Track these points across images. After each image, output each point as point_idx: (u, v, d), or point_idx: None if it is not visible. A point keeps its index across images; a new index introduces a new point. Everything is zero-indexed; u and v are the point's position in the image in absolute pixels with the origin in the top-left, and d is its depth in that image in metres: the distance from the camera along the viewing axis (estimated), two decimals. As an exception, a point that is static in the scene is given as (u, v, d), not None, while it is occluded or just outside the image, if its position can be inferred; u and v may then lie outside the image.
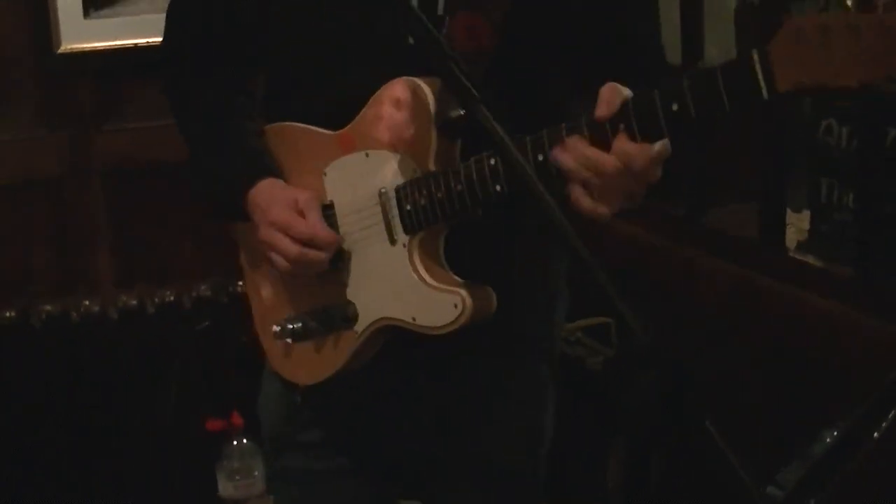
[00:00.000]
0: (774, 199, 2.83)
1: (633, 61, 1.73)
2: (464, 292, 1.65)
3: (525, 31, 1.61)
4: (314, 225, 1.73)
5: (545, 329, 1.97)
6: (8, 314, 3.19)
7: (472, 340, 1.73)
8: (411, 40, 1.61)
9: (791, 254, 2.82)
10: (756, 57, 1.34)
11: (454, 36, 1.65)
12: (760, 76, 1.33)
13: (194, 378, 3.16)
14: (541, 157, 1.54)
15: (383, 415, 1.92)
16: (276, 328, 1.80)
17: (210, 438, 3.11)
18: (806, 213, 2.87)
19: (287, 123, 1.84)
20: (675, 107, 1.42)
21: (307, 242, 1.73)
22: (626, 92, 1.50)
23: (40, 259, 3.32)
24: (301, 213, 1.74)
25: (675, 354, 1.32)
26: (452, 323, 1.66)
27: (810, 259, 2.78)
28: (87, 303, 3.24)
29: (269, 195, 1.78)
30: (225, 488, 3.12)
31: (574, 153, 1.52)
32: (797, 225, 2.89)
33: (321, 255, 1.74)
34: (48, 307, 3.22)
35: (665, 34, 3.23)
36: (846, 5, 1.26)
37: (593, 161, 1.51)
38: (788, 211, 2.87)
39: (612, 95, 1.50)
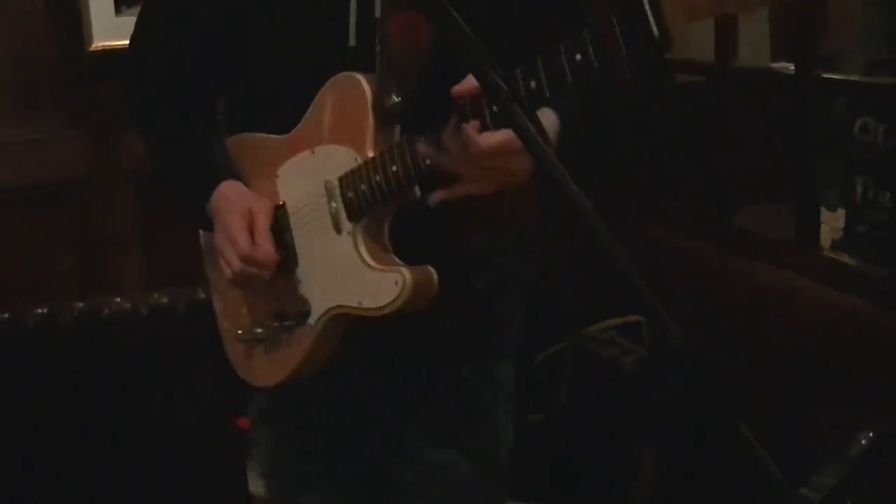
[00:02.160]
0: (808, 198, 2.81)
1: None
2: (404, 270, 1.68)
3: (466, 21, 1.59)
4: (258, 244, 1.78)
5: (505, 327, 1.97)
6: (40, 310, 3.18)
7: (429, 339, 1.79)
8: (353, 42, 1.70)
9: (826, 253, 2.79)
10: None
11: (391, 36, 1.67)
12: (650, 14, 1.31)
13: (226, 375, 3.16)
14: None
15: (349, 419, 1.94)
16: (239, 332, 1.88)
17: (241, 436, 3.11)
18: (841, 213, 2.85)
19: (245, 134, 1.90)
20: (577, 56, 1.40)
21: (246, 260, 1.78)
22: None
23: (66, 259, 3.32)
24: (250, 225, 1.79)
25: (709, 357, 1.30)
26: (394, 301, 1.67)
27: (845, 258, 2.75)
28: (117, 300, 3.23)
29: (226, 200, 1.84)
30: (255, 485, 3.11)
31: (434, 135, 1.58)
32: (831, 224, 2.86)
33: (257, 273, 1.79)
34: (79, 304, 3.21)
35: (698, 31, 3.25)
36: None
37: (443, 143, 1.57)
38: (823, 210, 2.84)
39: (472, 80, 1.50)
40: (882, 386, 2.49)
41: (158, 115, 1.97)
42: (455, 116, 1.56)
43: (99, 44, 3.27)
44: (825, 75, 2.77)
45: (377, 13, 1.71)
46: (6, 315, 3.15)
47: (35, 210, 3.28)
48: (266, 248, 1.77)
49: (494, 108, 1.51)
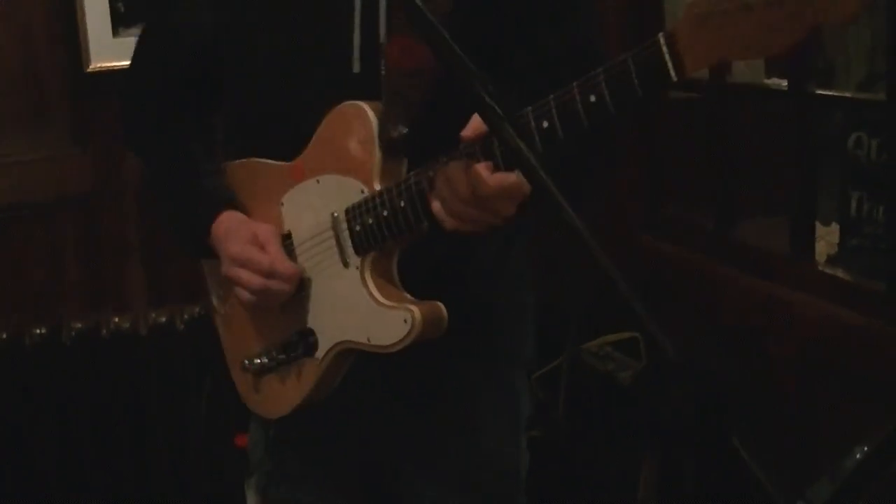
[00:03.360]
0: (804, 212, 2.82)
1: (574, 71, 1.77)
2: (413, 307, 1.65)
3: (467, 49, 1.61)
4: (275, 258, 1.75)
5: (515, 338, 1.96)
6: (39, 330, 3.20)
7: (440, 355, 1.75)
8: (357, 69, 1.70)
9: (821, 268, 2.81)
10: (663, 41, 1.36)
11: (392, 57, 1.67)
12: (669, 60, 1.35)
13: (224, 394, 3.17)
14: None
15: (358, 437, 1.93)
16: (245, 362, 1.84)
17: (239, 454, 3.11)
18: (835, 227, 2.86)
19: (246, 160, 1.87)
20: (591, 98, 1.43)
21: (268, 275, 1.75)
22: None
23: (72, 275, 3.34)
24: (261, 247, 1.76)
25: (704, 370, 1.31)
26: (403, 339, 1.65)
27: (840, 273, 2.77)
28: (116, 319, 3.25)
29: (228, 229, 1.81)
30: (253, 504, 3.12)
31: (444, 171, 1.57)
32: (827, 238, 2.88)
33: (284, 287, 1.76)
34: (78, 324, 3.23)
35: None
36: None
37: (451, 181, 1.56)
38: (818, 224, 2.86)
39: (478, 123, 1.53)
40: (877, 399, 2.50)
41: (155, 140, 1.96)
42: (465, 156, 1.55)
43: (97, 64, 3.29)
44: (819, 91, 2.79)
45: (381, 38, 1.71)
46: (4, 335, 3.18)
47: (39, 226, 3.30)
48: (286, 261, 1.75)
49: (500, 150, 1.51)
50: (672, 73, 1.35)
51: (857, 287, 2.69)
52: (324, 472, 1.96)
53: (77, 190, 3.31)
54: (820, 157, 2.84)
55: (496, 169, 1.52)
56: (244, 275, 1.76)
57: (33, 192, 3.27)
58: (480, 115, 1.43)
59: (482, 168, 1.52)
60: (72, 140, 3.31)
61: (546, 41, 1.77)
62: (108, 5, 3.29)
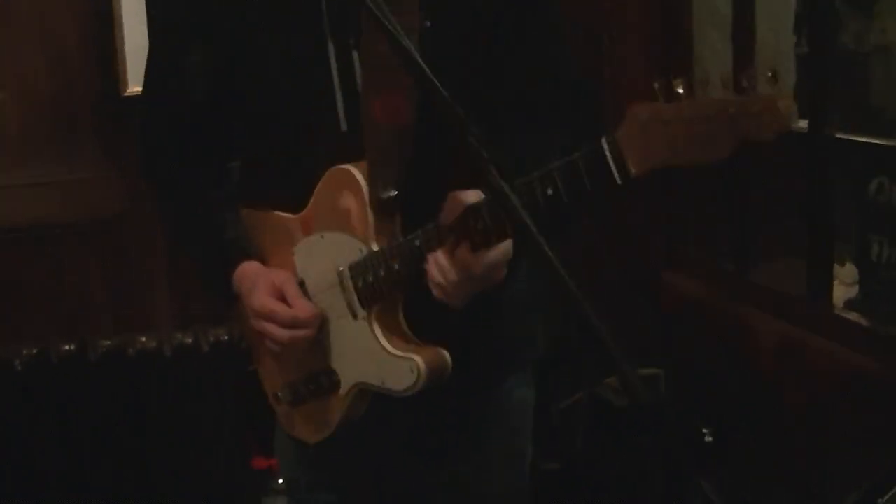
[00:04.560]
0: (822, 256, 2.82)
1: (556, 112, 1.83)
2: (417, 358, 1.75)
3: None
4: (296, 307, 1.82)
5: (522, 356, 2.02)
6: (67, 347, 3.26)
7: (455, 391, 1.81)
8: (344, 127, 1.78)
9: (838, 311, 2.80)
10: (605, 146, 1.44)
11: (373, 116, 1.75)
12: (612, 164, 1.44)
13: (242, 416, 3.21)
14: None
15: (386, 455, 2.00)
16: (277, 394, 1.95)
17: (256, 476, 3.16)
18: (854, 271, 2.86)
19: (260, 210, 1.95)
20: (549, 191, 1.51)
21: (292, 326, 1.82)
22: (470, 199, 1.62)
23: (101, 295, 3.40)
24: (281, 296, 1.83)
25: (677, 415, 1.34)
26: (412, 387, 1.76)
27: (857, 317, 2.76)
28: (143, 339, 3.31)
29: (250, 282, 1.88)
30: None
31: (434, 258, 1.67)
32: (845, 282, 2.87)
33: (308, 333, 1.83)
34: (106, 342, 3.29)
35: (716, 81, 3.27)
36: (678, 94, 1.37)
37: (441, 268, 1.66)
38: (836, 268, 2.86)
39: (453, 204, 1.63)
40: (890, 444, 2.49)
41: (175, 184, 2.01)
42: (451, 240, 1.64)
43: (134, 88, 3.34)
44: (839, 135, 2.80)
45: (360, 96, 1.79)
46: (34, 350, 3.24)
47: (71, 247, 3.38)
48: (304, 305, 1.82)
49: (479, 227, 1.60)
50: (616, 175, 1.44)
51: (874, 331, 2.69)
52: (339, 487, 2.03)
53: (109, 212, 3.38)
54: (840, 201, 2.84)
55: (476, 245, 1.62)
56: (270, 328, 1.84)
57: (66, 213, 3.35)
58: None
59: (465, 252, 1.62)
60: (106, 163, 3.38)
61: (515, 64, 1.83)
62: (146, 30, 3.36)
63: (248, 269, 1.90)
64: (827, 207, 2.81)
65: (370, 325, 1.79)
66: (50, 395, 3.23)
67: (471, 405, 1.96)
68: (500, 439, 2.00)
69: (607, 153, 1.43)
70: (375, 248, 1.76)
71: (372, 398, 1.86)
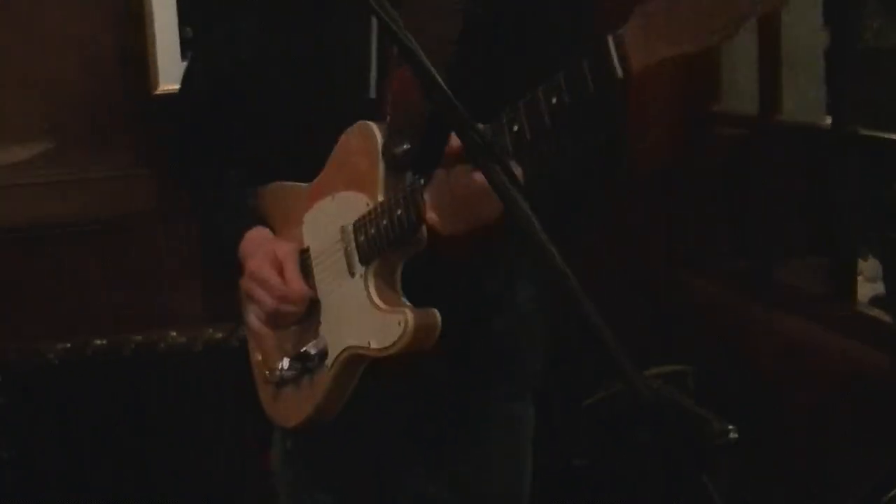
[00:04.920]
0: (844, 254, 2.82)
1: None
2: (408, 311, 1.74)
3: (463, 85, 1.68)
4: (289, 281, 1.84)
5: (522, 363, 2.01)
6: (100, 342, 3.31)
7: (448, 385, 1.85)
8: (373, 94, 1.80)
9: (860, 309, 2.80)
10: (611, 42, 1.44)
11: (400, 81, 1.77)
12: (615, 60, 1.43)
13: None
14: None
15: (369, 458, 2.00)
16: (266, 373, 1.94)
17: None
18: (877, 265, 2.85)
19: (277, 183, 1.97)
20: (553, 100, 1.52)
21: (280, 298, 1.84)
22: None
23: (133, 290, 3.45)
24: (279, 268, 1.85)
25: (677, 411, 1.35)
26: (397, 341, 1.73)
27: (880, 314, 2.76)
28: (173, 334, 3.35)
29: (253, 245, 1.91)
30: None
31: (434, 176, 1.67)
32: (868, 278, 2.87)
33: (293, 309, 1.85)
34: (138, 337, 3.34)
35: (741, 82, 3.28)
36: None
37: (438, 189, 1.66)
38: (859, 262, 2.85)
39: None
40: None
41: (196, 165, 2.08)
42: (452, 161, 1.64)
43: (165, 87, 3.40)
44: (862, 132, 2.79)
45: (372, 90, 1.82)
46: (68, 345, 3.30)
47: (102, 244, 3.42)
48: (298, 284, 1.84)
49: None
50: (618, 70, 1.43)
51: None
52: (336, 487, 2.03)
53: (141, 208, 3.42)
54: (863, 199, 2.84)
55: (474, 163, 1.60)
56: (259, 293, 1.87)
57: (99, 209, 3.40)
58: (467, 155, 1.49)
59: (466, 169, 1.61)
60: (138, 160, 3.42)
61: (545, 60, 1.78)
62: (177, 30, 3.41)
63: (256, 235, 1.93)
64: (849, 204, 2.81)
65: (366, 282, 1.78)
66: (83, 389, 3.28)
67: (470, 405, 1.96)
68: (499, 440, 2.00)
69: (612, 51, 1.44)
70: (381, 200, 1.76)
71: (368, 392, 1.85)
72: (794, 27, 3.10)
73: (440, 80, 1.43)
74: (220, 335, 3.38)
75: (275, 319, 1.89)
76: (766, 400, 2.97)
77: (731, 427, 3.02)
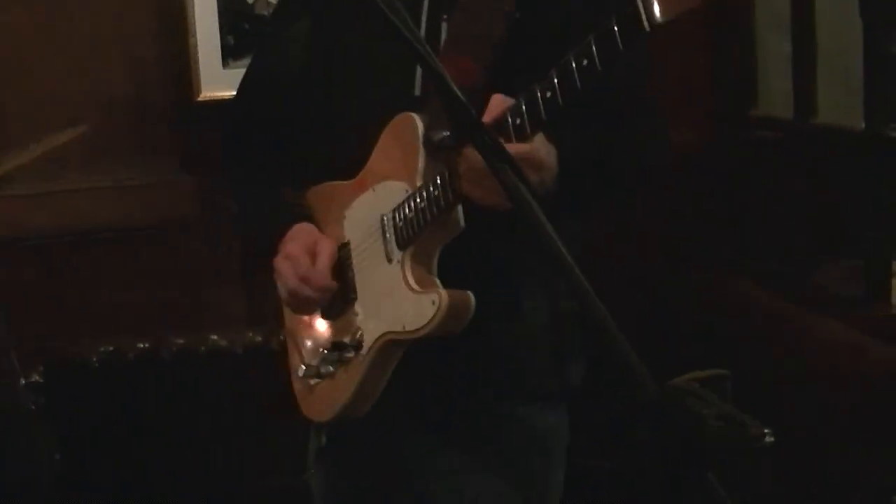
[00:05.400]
0: (879, 256, 2.80)
1: (614, 104, 1.87)
2: (442, 291, 1.78)
3: (513, 73, 1.73)
4: (317, 267, 1.90)
5: (549, 372, 2.00)
6: (142, 345, 3.36)
7: (473, 380, 1.89)
8: (417, 92, 1.86)
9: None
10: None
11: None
12: (643, 12, 1.52)
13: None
14: None
15: (395, 458, 2.01)
16: (302, 367, 1.99)
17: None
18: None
19: (324, 183, 2.02)
20: (584, 61, 1.59)
21: (302, 279, 1.90)
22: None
23: (175, 295, 3.50)
24: (314, 256, 1.91)
25: (682, 408, 1.37)
26: (431, 321, 1.77)
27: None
28: (214, 337, 3.40)
29: (297, 233, 1.97)
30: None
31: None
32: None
33: (312, 294, 1.91)
34: (179, 340, 3.38)
35: (775, 86, 3.28)
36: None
37: (471, 155, 1.68)
38: (894, 267, 2.84)
39: (497, 102, 1.71)
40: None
41: (247, 170, 2.14)
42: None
43: (206, 94, 3.46)
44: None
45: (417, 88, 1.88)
46: (111, 347, 3.36)
47: (145, 248, 3.48)
48: (324, 273, 1.90)
49: (517, 122, 1.68)
50: (646, 24, 1.51)
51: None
52: (363, 483, 2.06)
53: (183, 213, 3.47)
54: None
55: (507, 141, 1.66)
56: (286, 269, 1.92)
57: (142, 214, 3.45)
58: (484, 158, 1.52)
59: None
60: (179, 166, 3.48)
61: None
62: (218, 38, 3.47)
63: (298, 228, 1.98)
64: (883, 207, 2.80)
65: (402, 267, 1.82)
66: (125, 391, 3.33)
67: (485, 405, 1.97)
68: (506, 443, 1.99)
69: (640, 3, 1.51)
70: (420, 184, 1.80)
71: (394, 391, 1.88)
72: (830, 29, 3.10)
73: (451, 83, 1.46)
74: (259, 338, 3.42)
75: (294, 301, 1.94)
76: (802, 403, 2.96)
77: (767, 430, 3.02)
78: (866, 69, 2.82)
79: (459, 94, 1.45)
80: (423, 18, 1.90)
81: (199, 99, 3.46)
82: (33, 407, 2.89)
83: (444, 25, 1.88)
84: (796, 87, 3.08)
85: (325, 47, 2.01)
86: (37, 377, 2.97)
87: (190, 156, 3.48)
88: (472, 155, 1.68)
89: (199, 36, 3.45)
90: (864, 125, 2.81)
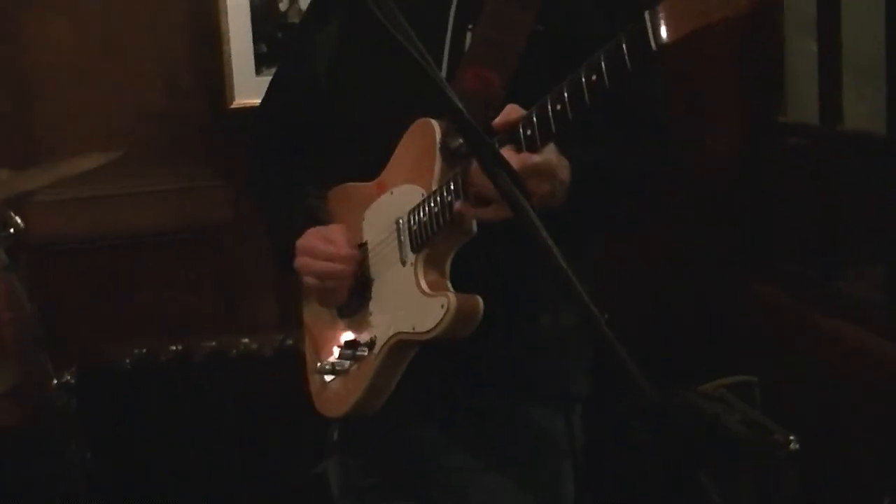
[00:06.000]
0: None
1: (630, 118, 1.90)
2: (451, 294, 1.81)
3: (534, 84, 1.75)
4: (335, 244, 1.94)
5: (566, 373, 2.02)
6: (174, 348, 3.41)
7: (488, 378, 1.92)
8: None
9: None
10: (647, 18, 1.55)
11: (466, 83, 1.86)
12: (650, 33, 1.54)
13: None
14: None
15: (410, 452, 2.05)
16: (318, 365, 2.03)
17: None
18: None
19: (345, 184, 2.06)
20: (593, 76, 1.62)
21: (326, 258, 1.94)
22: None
23: (208, 299, 3.56)
24: (331, 242, 1.95)
25: (677, 411, 1.39)
26: (439, 323, 1.80)
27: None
28: (245, 341, 3.44)
29: (306, 234, 2.00)
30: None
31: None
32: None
33: (342, 269, 1.95)
34: (212, 343, 3.43)
35: (801, 91, 3.28)
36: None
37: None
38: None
39: (511, 111, 1.74)
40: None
41: (271, 175, 2.18)
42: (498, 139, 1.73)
43: (240, 101, 3.51)
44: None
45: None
46: (144, 350, 3.41)
47: (179, 253, 3.54)
48: (343, 244, 1.94)
49: (528, 132, 1.71)
50: (652, 43, 1.54)
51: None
52: (379, 475, 2.09)
53: (216, 220, 3.53)
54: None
55: (519, 151, 1.71)
56: (307, 261, 1.97)
57: (176, 220, 3.52)
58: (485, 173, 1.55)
59: (507, 151, 1.70)
60: (213, 173, 3.53)
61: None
62: (252, 46, 3.52)
63: (311, 230, 2.01)
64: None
65: (415, 269, 1.86)
66: (157, 393, 3.39)
67: (495, 403, 2.00)
68: (519, 460, 2.01)
69: (648, 24, 1.54)
70: (434, 188, 1.84)
71: (407, 385, 1.91)
72: (857, 35, 3.09)
73: (451, 93, 1.50)
74: (290, 341, 3.45)
75: (325, 282, 1.97)
76: (828, 409, 2.96)
77: (792, 437, 3.02)
78: (889, 75, 2.82)
79: (460, 105, 1.48)
80: (449, 26, 1.95)
81: (233, 106, 3.52)
82: (66, 407, 2.93)
83: (468, 34, 1.93)
84: (822, 93, 3.08)
85: (351, 53, 2.05)
86: (69, 378, 3.01)
87: (223, 162, 3.53)
88: (513, 160, 1.69)
89: (232, 44, 3.51)
90: (886, 131, 2.81)
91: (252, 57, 3.53)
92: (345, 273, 1.96)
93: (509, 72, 1.87)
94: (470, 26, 1.93)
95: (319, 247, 1.96)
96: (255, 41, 3.53)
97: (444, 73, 1.92)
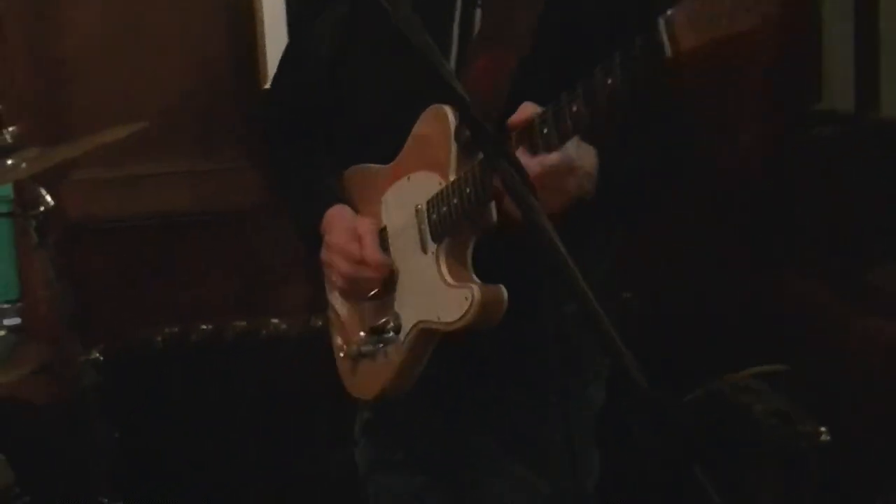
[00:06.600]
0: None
1: (653, 118, 1.90)
2: (475, 286, 1.82)
3: (545, 63, 1.73)
4: (367, 248, 1.94)
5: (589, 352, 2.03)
6: (205, 327, 3.44)
7: (511, 360, 1.94)
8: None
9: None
10: (661, 23, 1.52)
11: (476, 69, 1.87)
12: (665, 39, 1.52)
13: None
14: None
15: (439, 436, 2.08)
16: (345, 347, 2.06)
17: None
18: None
19: (360, 166, 2.08)
20: (609, 80, 1.60)
21: (359, 262, 1.95)
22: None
23: (239, 280, 3.57)
24: (358, 239, 1.95)
25: (672, 404, 1.38)
26: (464, 315, 1.82)
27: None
28: (275, 321, 3.46)
29: (333, 221, 2.03)
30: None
31: None
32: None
33: (371, 274, 1.95)
34: (242, 323, 3.46)
35: (837, 79, 3.22)
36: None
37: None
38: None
39: (526, 108, 1.74)
40: None
41: (282, 148, 2.24)
42: (512, 142, 1.74)
43: (274, 83, 3.51)
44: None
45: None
46: (175, 329, 3.45)
47: (209, 235, 3.55)
48: (375, 252, 1.95)
49: (545, 131, 1.70)
50: (667, 49, 1.52)
51: None
52: (410, 456, 2.13)
53: (249, 200, 3.53)
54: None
55: (535, 151, 1.71)
56: (337, 260, 1.98)
57: (209, 201, 3.52)
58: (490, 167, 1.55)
59: (522, 154, 1.71)
60: (245, 155, 3.54)
61: None
62: (285, 29, 3.51)
63: (336, 212, 2.04)
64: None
65: (437, 259, 1.87)
66: (189, 372, 3.42)
67: (520, 406, 2.02)
68: (546, 438, 2.02)
69: (662, 31, 1.52)
70: (452, 179, 1.84)
71: (437, 365, 1.93)
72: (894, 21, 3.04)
73: (459, 88, 1.50)
74: (320, 323, 3.46)
75: (354, 285, 1.99)
76: (858, 403, 2.93)
77: (823, 429, 2.99)
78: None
79: (467, 98, 1.48)
80: (458, 6, 1.95)
81: (267, 87, 3.50)
82: (94, 384, 2.96)
83: (477, 13, 1.93)
84: (858, 80, 3.03)
85: (363, 32, 2.05)
86: (98, 355, 3.05)
87: (256, 144, 3.51)
88: (529, 163, 1.69)
89: (266, 27, 3.50)
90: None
91: (286, 39, 3.51)
92: (374, 281, 1.97)
93: (520, 50, 1.88)
94: (479, 3, 1.93)
95: (350, 248, 1.96)
96: (289, 24, 3.52)
97: (455, 52, 1.94)
